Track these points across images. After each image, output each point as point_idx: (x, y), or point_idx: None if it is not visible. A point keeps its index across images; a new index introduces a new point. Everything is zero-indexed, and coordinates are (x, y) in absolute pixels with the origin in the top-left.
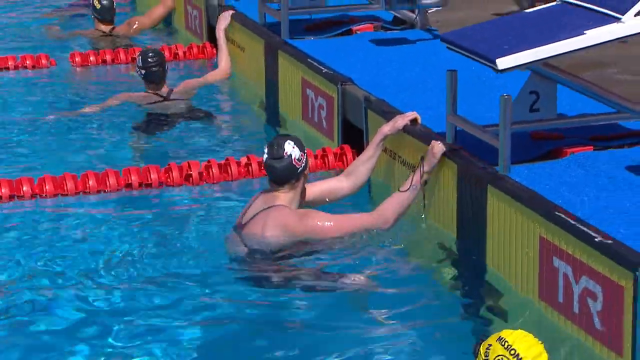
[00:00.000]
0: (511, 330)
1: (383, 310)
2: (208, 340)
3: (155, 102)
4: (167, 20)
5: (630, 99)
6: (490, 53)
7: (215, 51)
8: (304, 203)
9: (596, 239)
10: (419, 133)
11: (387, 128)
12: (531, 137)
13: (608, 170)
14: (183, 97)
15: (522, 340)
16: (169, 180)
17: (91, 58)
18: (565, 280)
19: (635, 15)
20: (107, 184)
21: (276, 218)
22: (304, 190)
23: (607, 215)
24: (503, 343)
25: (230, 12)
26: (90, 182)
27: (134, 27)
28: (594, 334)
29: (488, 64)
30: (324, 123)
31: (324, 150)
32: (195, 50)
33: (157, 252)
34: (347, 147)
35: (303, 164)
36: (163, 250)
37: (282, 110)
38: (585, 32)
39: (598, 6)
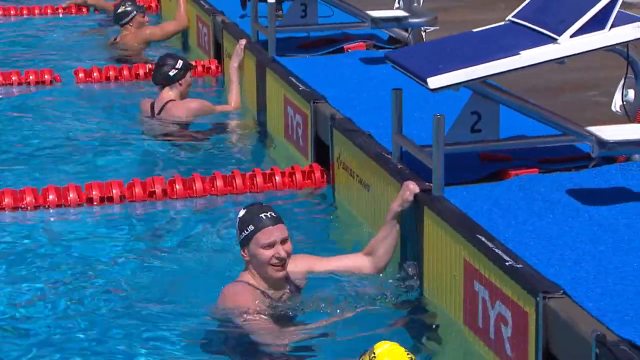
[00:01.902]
0: (385, 343)
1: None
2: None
3: None
4: (184, 37)
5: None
6: (423, 72)
7: (221, 68)
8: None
9: (507, 263)
10: (392, 169)
11: (396, 204)
12: (479, 158)
13: (547, 194)
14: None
15: (387, 353)
16: (132, 196)
17: (95, 74)
18: (483, 305)
19: (570, 37)
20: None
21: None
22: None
23: (529, 240)
24: (370, 354)
25: (243, 45)
26: (50, 197)
27: (145, 32)
28: None
29: (422, 83)
30: (300, 141)
31: (292, 168)
32: (200, 69)
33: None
34: (315, 166)
35: (237, 239)
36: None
37: (269, 127)
38: (520, 52)
39: (539, 26)
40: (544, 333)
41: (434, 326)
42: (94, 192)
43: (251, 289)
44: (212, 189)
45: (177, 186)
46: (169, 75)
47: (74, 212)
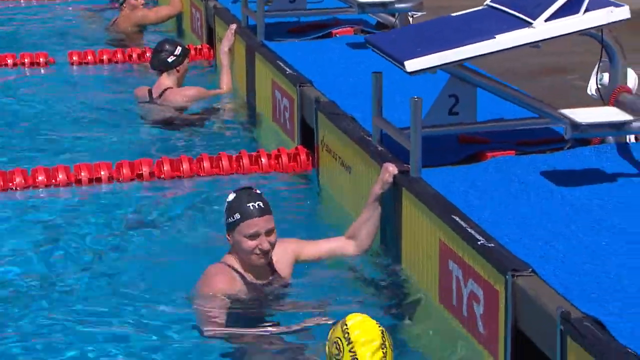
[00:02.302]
0: (357, 315)
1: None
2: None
3: None
4: (179, 21)
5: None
6: (401, 55)
7: (213, 53)
8: (301, 262)
9: (479, 243)
10: (373, 152)
11: (377, 187)
12: (458, 140)
13: (522, 175)
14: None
15: (359, 325)
16: (120, 177)
17: (89, 57)
18: (457, 284)
19: (545, 21)
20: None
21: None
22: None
23: (503, 220)
24: (342, 325)
25: (233, 30)
26: (40, 178)
27: (137, 14)
28: (479, 337)
29: (399, 66)
30: (287, 124)
31: (278, 150)
32: (192, 52)
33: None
34: (301, 148)
35: (224, 223)
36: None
37: (258, 110)
38: (495, 36)
39: (516, 11)
40: (513, 310)
41: (410, 304)
42: (82, 174)
43: (231, 272)
44: (199, 170)
45: (164, 167)
46: (167, 61)
47: (63, 192)
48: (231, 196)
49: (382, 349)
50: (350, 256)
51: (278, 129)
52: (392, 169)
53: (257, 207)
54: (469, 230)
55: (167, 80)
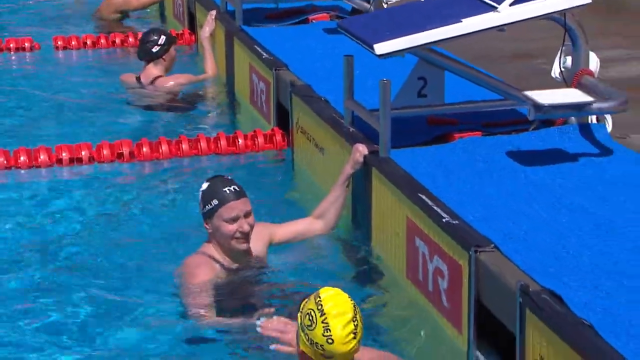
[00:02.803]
0: (330, 288)
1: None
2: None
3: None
4: (161, 8)
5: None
6: (371, 39)
7: (194, 38)
8: (274, 244)
9: (444, 220)
10: (344, 133)
11: (348, 166)
12: (426, 121)
13: (488, 156)
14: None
15: (332, 297)
16: (100, 157)
17: (73, 42)
18: (423, 260)
19: (510, 5)
20: (39, 159)
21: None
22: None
23: (468, 199)
24: (316, 298)
25: (213, 16)
26: (22, 158)
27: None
28: (443, 311)
29: (369, 49)
30: (264, 107)
31: (255, 132)
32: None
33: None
34: (277, 130)
35: (200, 212)
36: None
37: (237, 94)
38: (462, 20)
39: None
40: (475, 285)
41: (380, 280)
42: (63, 154)
43: (211, 262)
44: (178, 151)
45: (144, 149)
46: (152, 52)
47: (45, 172)
48: (205, 185)
49: (354, 321)
50: (318, 235)
51: (255, 112)
52: (362, 149)
53: (233, 190)
54: (435, 208)
55: (154, 69)
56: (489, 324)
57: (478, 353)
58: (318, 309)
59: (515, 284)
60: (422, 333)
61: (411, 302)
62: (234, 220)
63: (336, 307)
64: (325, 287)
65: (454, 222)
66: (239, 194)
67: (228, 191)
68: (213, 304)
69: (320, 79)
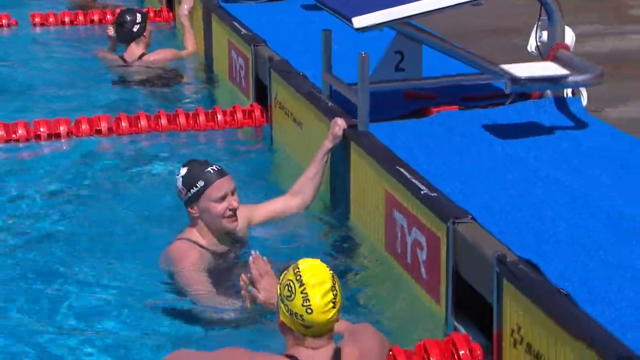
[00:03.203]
0: (308, 259)
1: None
2: None
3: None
4: None
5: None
6: (349, 12)
7: (172, 15)
8: (253, 225)
9: (422, 192)
10: (323, 107)
11: (327, 141)
12: (404, 96)
13: (465, 129)
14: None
15: (310, 268)
16: (79, 132)
17: (50, 19)
18: (401, 232)
19: None
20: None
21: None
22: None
23: (446, 172)
24: (294, 269)
25: None
26: (0, 133)
27: None
28: (422, 282)
29: (347, 22)
30: (243, 82)
31: (234, 107)
32: (152, 14)
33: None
34: (255, 105)
35: (184, 198)
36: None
37: (215, 70)
38: None
39: None
40: (453, 256)
41: (358, 252)
42: (41, 129)
43: (196, 247)
44: (157, 126)
45: (123, 123)
46: (133, 31)
47: (23, 147)
48: (183, 170)
49: (332, 291)
50: (296, 211)
51: (234, 88)
52: (341, 122)
53: (216, 169)
54: (413, 181)
55: (137, 48)
56: (465, 296)
57: (456, 323)
58: (297, 280)
59: (493, 254)
60: (400, 305)
61: (390, 275)
62: (223, 198)
63: (314, 277)
64: (304, 258)
65: (432, 194)
66: (222, 173)
67: (212, 171)
68: (209, 281)
69: (298, 54)
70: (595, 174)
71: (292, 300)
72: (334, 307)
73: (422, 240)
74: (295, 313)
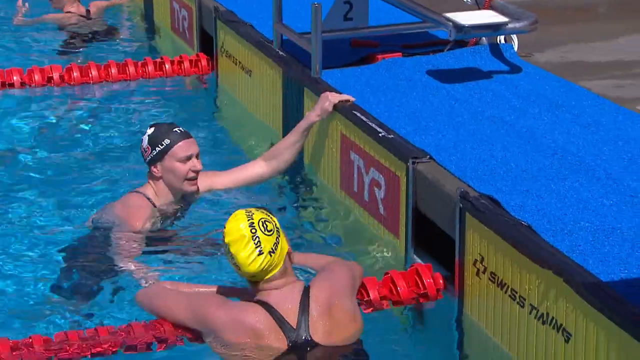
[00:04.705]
0: (232, 215)
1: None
2: None
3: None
4: None
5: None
6: None
7: None
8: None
9: (380, 134)
10: (274, 56)
11: (314, 114)
12: (350, 44)
13: (409, 74)
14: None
15: (228, 226)
16: (31, 82)
17: None
18: (358, 172)
19: None
20: None
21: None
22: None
23: (397, 114)
24: (223, 230)
25: None
26: None
27: None
28: (380, 218)
29: None
30: (187, 33)
31: (180, 57)
32: None
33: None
34: (201, 55)
35: (148, 157)
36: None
37: (156, 21)
38: None
39: None
40: (413, 194)
41: (315, 195)
42: None
43: (150, 205)
44: (107, 76)
45: (74, 73)
46: None
47: None
48: (150, 130)
49: (254, 239)
50: (265, 179)
51: (177, 38)
52: (332, 98)
53: (182, 131)
54: (370, 123)
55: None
56: (425, 231)
57: (415, 257)
58: (225, 242)
59: (455, 191)
60: (360, 240)
61: (347, 212)
62: (188, 158)
63: (230, 235)
64: (234, 213)
65: (390, 136)
66: (188, 134)
67: (178, 131)
68: (141, 254)
69: (241, 5)
70: (535, 113)
71: (229, 260)
72: (260, 254)
73: (381, 179)
74: (236, 269)
